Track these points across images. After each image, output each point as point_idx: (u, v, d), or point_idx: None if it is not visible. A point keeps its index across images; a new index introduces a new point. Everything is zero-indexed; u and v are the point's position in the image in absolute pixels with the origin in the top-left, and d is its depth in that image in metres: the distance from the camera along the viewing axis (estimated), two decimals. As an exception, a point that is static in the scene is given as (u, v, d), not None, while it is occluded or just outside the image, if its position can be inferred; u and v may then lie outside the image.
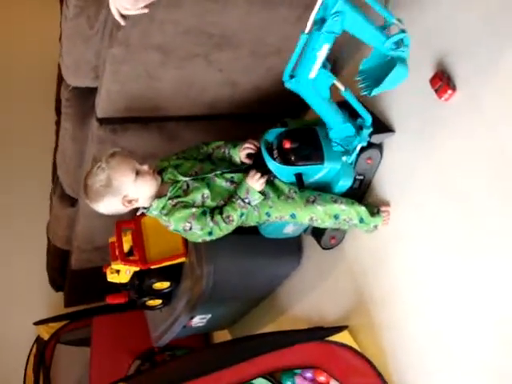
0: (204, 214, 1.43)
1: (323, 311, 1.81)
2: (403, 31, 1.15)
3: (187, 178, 1.46)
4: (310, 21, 1.15)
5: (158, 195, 1.44)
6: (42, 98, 2.60)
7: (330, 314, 1.77)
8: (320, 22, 1.15)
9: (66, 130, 1.73)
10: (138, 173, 1.39)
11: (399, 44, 1.17)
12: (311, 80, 1.25)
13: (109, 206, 1.42)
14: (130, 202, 1.42)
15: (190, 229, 1.43)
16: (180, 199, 1.43)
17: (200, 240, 1.47)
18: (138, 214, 1.50)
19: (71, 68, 1.47)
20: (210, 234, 1.45)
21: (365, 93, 1.23)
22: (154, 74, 1.47)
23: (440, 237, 1.36)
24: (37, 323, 2.66)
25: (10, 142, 3.13)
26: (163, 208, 1.44)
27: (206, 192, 1.45)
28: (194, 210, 1.42)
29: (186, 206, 1.43)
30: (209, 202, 1.45)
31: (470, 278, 1.29)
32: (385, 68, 1.19)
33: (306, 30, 1.17)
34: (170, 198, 1.44)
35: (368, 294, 1.62)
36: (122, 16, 1.19)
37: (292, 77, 1.26)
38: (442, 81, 1.32)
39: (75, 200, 2.08)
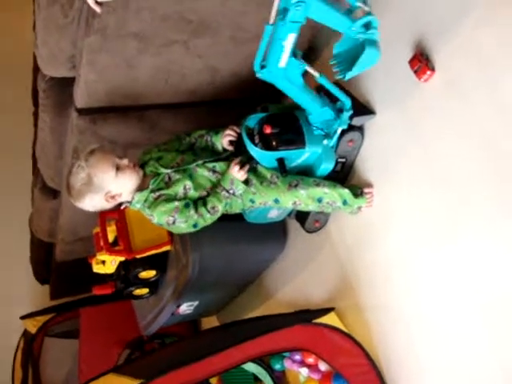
0: (187, 206, 1.44)
1: (309, 294, 1.83)
2: (369, 14, 1.15)
3: (169, 170, 1.46)
4: (272, 12, 1.15)
5: (140, 188, 1.44)
6: (18, 88, 2.56)
7: (317, 297, 1.79)
8: (283, 11, 1.15)
9: (45, 122, 1.70)
10: (118, 168, 1.40)
11: (368, 26, 1.16)
12: (282, 69, 1.25)
13: (93, 203, 1.43)
14: (113, 197, 1.43)
15: (174, 222, 1.44)
16: (162, 191, 1.43)
17: (184, 231, 1.48)
18: (122, 207, 1.50)
19: (47, 58, 1.44)
20: (195, 226, 1.46)
21: (339, 76, 1.23)
22: (132, 63, 1.46)
23: (424, 217, 1.38)
24: (23, 317, 2.65)
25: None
26: (145, 201, 1.44)
27: (188, 183, 1.45)
28: (176, 203, 1.43)
29: (169, 199, 1.43)
30: (191, 193, 1.46)
31: (456, 258, 1.30)
32: (357, 51, 1.19)
33: (270, 21, 1.18)
34: (152, 191, 1.44)
35: (353, 275, 1.64)
36: (98, 3, 1.18)
37: (263, 67, 1.26)
38: (421, 62, 1.32)
39: (57, 192, 2.06)
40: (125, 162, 1.42)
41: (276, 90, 1.75)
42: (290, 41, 1.19)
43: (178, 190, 1.44)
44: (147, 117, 1.70)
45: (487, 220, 1.22)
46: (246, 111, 1.53)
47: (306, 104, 1.39)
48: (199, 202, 1.45)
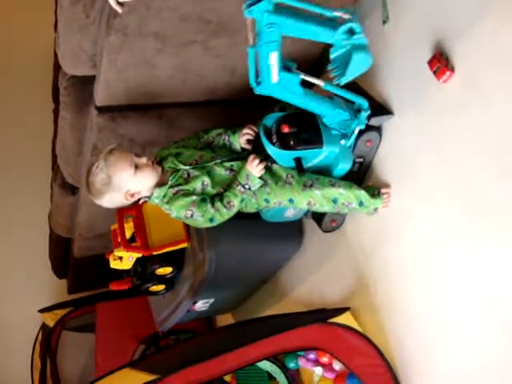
0: (204, 200, 1.46)
1: (325, 293, 1.83)
2: (350, 20, 1.16)
3: (187, 167, 1.48)
4: (249, 35, 1.20)
5: (159, 184, 1.47)
6: (39, 85, 2.59)
7: (332, 296, 1.79)
8: (258, 34, 1.18)
9: (65, 119, 1.73)
10: (136, 167, 1.42)
11: (351, 32, 1.17)
12: (277, 83, 1.27)
13: (112, 201, 1.46)
14: (132, 195, 1.46)
15: (192, 216, 1.46)
16: (181, 187, 1.46)
17: (202, 225, 1.50)
18: (141, 203, 1.52)
19: (68, 57, 1.46)
20: (212, 220, 1.47)
21: (336, 82, 1.24)
22: (151, 62, 1.47)
23: (441, 218, 1.37)
24: (42, 310, 2.69)
25: (8, 130, 3.12)
26: (164, 196, 1.47)
27: (206, 180, 1.47)
28: (194, 197, 1.45)
29: (187, 193, 1.45)
30: (209, 190, 1.48)
31: (472, 260, 1.30)
32: (349, 56, 1.19)
33: (250, 43, 1.22)
34: (170, 187, 1.46)
35: (369, 275, 1.64)
36: (119, 3, 1.19)
37: (259, 83, 1.28)
38: (441, 62, 1.32)
39: (76, 188, 2.09)
40: (143, 160, 1.44)
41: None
42: (273, 59, 1.22)
43: (196, 185, 1.46)
44: (165, 115, 1.72)
45: (504, 224, 1.21)
46: (263, 111, 1.54)
47: (315, 109, 1.40)
48: (216, 197, 1.47)
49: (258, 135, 1.47)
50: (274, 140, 1.42)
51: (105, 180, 1.41)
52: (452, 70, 1.30)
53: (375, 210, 1.52)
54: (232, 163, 1.50)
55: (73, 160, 1.91)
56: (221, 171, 1.49)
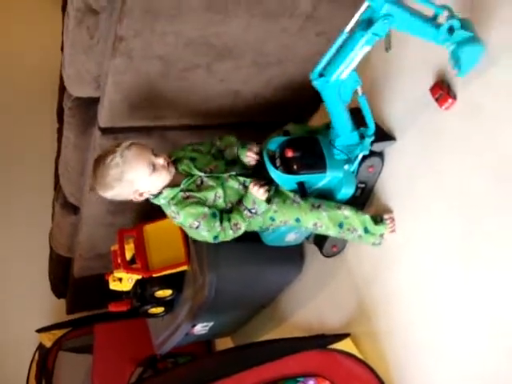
0: (214, 216, 1.42)
1: (325, 319, 1.82)
2: (451, 17, 1.14)
3: (203, 174, 1.44)
4: (353, 20, 1.13)
5: (170, 185, 1.42)
6: (43, 105, 2.62)
7: (332, 322, 1.77)
8: (366, 22, 1.13)
9: (69, 139, 1.74)
10: (153, 168, 1.37)
11: (452, 30, 1.15)
12: (338, 82, 1.22)
13: (118, 196, 1.41)
14: (141, 194, 1.41)
15: (197, 227, 1.41)
16: (193, 193, 1.41)
17: (203, 240, 1.45)
18: (143, 198, 1.45)
19: (73, 78, 1.48)
20: (215, 238, 1.44)
21: (457, 76, 1.23)
22: (155, 85, 1.48)
23: (442, 244, 1.37)
24: (39, 330, 2.66)
25: (11, 148, 3.14)
26: (173, 198, 1.42)
27: (220, 192, 1.44)
28: (206, 209, 1.41)
29: (199, 202, 1.41)
30: (220, 202, 1.45)
31: (473, 286, 1.29)
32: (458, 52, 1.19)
33: (347, 29, 1.16)
34: (182, 190, 1.42)
35: (370, 301, 1.62)
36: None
37: (321, 75, 1.23)
38: (443, 90, 1.32)
39: (78, 208, 2.09)
40: (160, 161, 1.38)
41: (297, 114, 1.78)
42: (363, 53, 1.17)
43: (209, 196, 1.43)
44: (168, 138, 1.72)
45: (503, 247, 1.21)
46: (267, 134, 1.55)
47: (341, 124, 1.36)
48: (225, 216, 1.44)
49: (261, 158, 1.47)
50: (278, 164, 1.42)
51: (117, 175, 1.34)
52: (454, 97, 1.31)
53: (381, 236, 1.50)
54: (245, 179, 1.47)
55: (75, 180, 1.92)
56: (234, 184, 1.47)
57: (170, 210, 1.43)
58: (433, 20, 1.17)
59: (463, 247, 1.31)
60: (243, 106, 1.65)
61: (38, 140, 2.92)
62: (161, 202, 1.44)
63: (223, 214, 1.45)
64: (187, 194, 1.41)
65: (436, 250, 1.38)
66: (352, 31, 1.17)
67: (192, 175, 1.44)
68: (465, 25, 1.18)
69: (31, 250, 2.90)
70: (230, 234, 1.44)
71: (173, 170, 1.42)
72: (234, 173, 1.47)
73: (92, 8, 1.29)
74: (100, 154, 1.42)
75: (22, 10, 3.34)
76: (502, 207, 1.21)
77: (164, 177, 1.40)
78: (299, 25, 1.42)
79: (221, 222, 1.43)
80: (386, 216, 1.50)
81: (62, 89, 1.66)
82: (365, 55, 1.19)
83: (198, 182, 1.44)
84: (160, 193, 1.42)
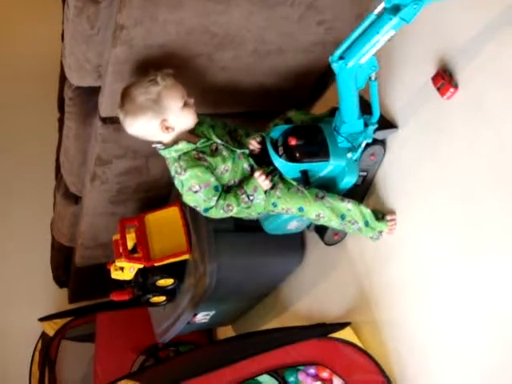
0: (216, 189, 1.41)
1: (326, 307, 1.83)
2: None
3: (219, 141, 1.44)
4: (382, 2, 1.11)
5: (187, 140, 1.41)
6: (45, 94, 2.61)
7: (333, 311, 1.78)
8: (393, 7, 1.10)
9: (70, 129, 1.73)
10: (185, 103, 1.37)
11: None
12: (357, 66, 1.20)
13: (144, 125, 1.37)
14: (167, 128, 1.38)
15: (196, 192, 1.40)
16: (206, 156, 1.41)
17: (194, 206, 1.44)
18: (153, 146, 1.45)
19: (74, 68, 1.47)
20: (206, 210, 1.43)
21: None
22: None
23: (444, 234, 1.37)
24: (42, 319, 2.68)
25: (11, 138, 3.14)
26: (185, 154, 1.40)
27: (229, 166, 1.44)
28: (212, 179, 1.40)
29: (209, 168, 1.40)
30: (225, 176, 1.44)
31: (475, 278, 1.29)
32: None
33: (376, 11, 1.13)
34: (196, 149, 1.41)
35: (371, 290, 1.63)
36: None
37: (341, 58, 1.20)
38: (444, 79, 1.32)
39: (79, 198, 2.10)
40: (192, 101, 1.40)
41: (299, 102, 1.77)
42: (387, 37, 1.15)
43: (219, 165, 1.42)
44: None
45: (507, 240, 1.21)
46: (268, 123, 1.54)
47: (350, 110, 1.35)
48: (222, 195, 1.43)
49: (264, 146, 1.46)
50: (281, 152, 1.41)
51: (154, 96, 1.32)
52: (455, 86, 1.30)
53: (380, 233, 1.50)
54: (253, 163, 1.48)
55: (76, 169, 1.92)
56: (243, 163, 1.47)
57: (177, 165, 1.40)
58: None
59: (466, 238, 1.31)
60: (245, 95, 1.65)
61: (39, 129, 2.92)
62: (172, 153, 1.41)
63: (222, 192, 1.44)
64: (200, 155, 1.40)
65: (438, 240, 1.39)
66: (380, 14, 1.13)
67: (209, 139, 1.44)
68: None
69: (33, 239, 2.92)
70: (220, 213, 1.43)
71: (197, 118, 1.42)
72: (247, 151, 1.47)
73: (92, -3, 1.28)
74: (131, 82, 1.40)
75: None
76: (506, 198, 1.21)
77: (191, 117, 1.40)
78: (300, 13, 1.41)
79: (218, 197, 1.42)
80: (388, 217, 1.50)
81: (63, 78, 1.66)
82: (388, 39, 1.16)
83: (213, 148, 1.43)
84: (175, 143, 1.40)
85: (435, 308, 1.41)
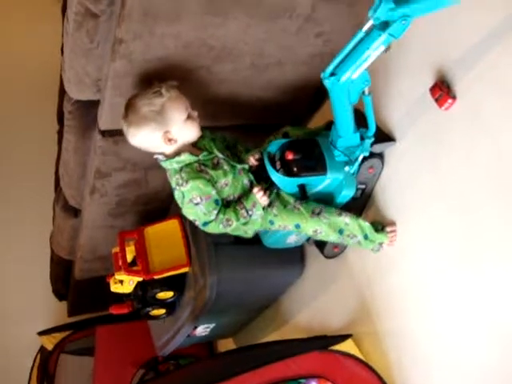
0: (217, 203, 1.41)
1: (327, 320, 1.82)
2: None
3: (221, 156, 1.45)
4: (369, 20, 1.12)
5: (190, 152, 1.41)
6: (44, 106, 2.61)
7: (334, 323, 1.77)
8: (382, 23, 1.11)
9: (69, 142, 1.74)
10: (188, 115, 1.38)
11: None
12: (349, 81, 1.21)
13: (147, 136, 1.37)
14: (170, 140, 1.38)
15: (197, 204, 1.39)
16: (208, 169, 1.41)
17: (193, 219, 1.44)
18: (155, 157, 1.45)
19: (73, 82, 1.47)
20: (206, 224, 1.43)
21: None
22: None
23: (443, 246, 1.37)
24: (41, 333, 2.67)
25: (11, 150, 3.14)
26: (187, 166, 1.40)
27: (230, 180, 1.43)
28: (213, 192, 1.40)
29: (210, 181, 1.40)
30: (224, 191, 1.44)
31: (474, 287, 1.29)
32: None
33: (364, 28, 1.14)
34: (199, 161, 1.41)
35: (372, 302, 1.62)
36: None
37: (333, 74, 1.21)
38: (442, 90, 1.32)
39: (78, 211, 2.09)
40: (195, 114, 1.40)
41: (297, 116, 1.78)
42: (377, 53, 1.16)
43: (220, 179, 1.42)
44: (168, 139, 1.72)
45: (505, 252, 1.21)
46: (267, 136, 1.55)
47: (345, 125, 1.35)
48: (222, 209, 1.42)
49: (261, 161, 1.46)
50: (278, 167, 1.41)
51: (157, 107, 1.33)
52: (453, 98, 1.31)
53: (380, 245, 1.50)
54: (253, 178, 1.48)
55: (76, 182, 1.92)
56: (243, 178, 1.47)
57: (179, 176, 1.39)
58: None
59: (465, 249, 1.30)
60: (243, 108, 1.65)
61: (38, 142, 2.92)
62: (173, 165, 1.40)
63: (222, 207, 1.43)
64: (202, 167, 1.40)
65: (437, 250, 1.38)
66: (369, 30, 1.15)
67: (211, 152, 1.44)
68: None
69: (32, 252, 2.91)
70: (219, 228, 1.43)
71: (200, 131, 1.42)
72: (247, 166, 1.47)
73: (91, 12, 1.28)
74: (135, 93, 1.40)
75: (22, 12, 3.34)
76: (504, 207, 1.21)
77: (194, 130, 1.41)
78: (298, 25, 1.42)
79: (218, 211, 1.41)
80: (388, 228, 1.49)
81: (62, 92, 1.66)
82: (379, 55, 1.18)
83: (215, 161, 1.43)
84: (177, 154, 1.40)
85: (437, 317, 1.40)
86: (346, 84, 1.22)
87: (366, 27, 1.15)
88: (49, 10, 2.73)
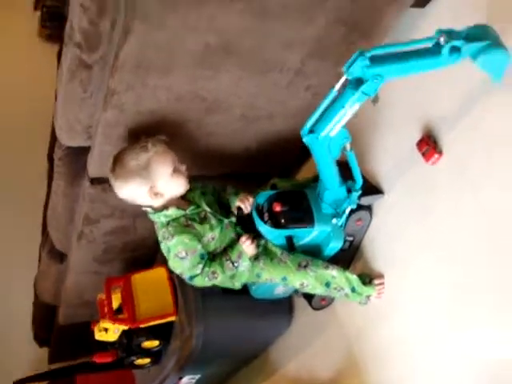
0: (202, 257, 1.41)
1: (315, 371, 1.79)
2: (448, 40, 1.04)
3: (209, 210, 1.45)
4: (341, 79, 1.15)
5: (177, 206, 1.41)
6: (33, 147, 2.61)
7: (323, 374, 1.74)
8: (355, 81, 1.14)
9: (58, 187, 1.74)
10: (175, 170, 1.38)
11: (457, 49, 1.05)
12: (328, 138, 1.23)
13: (133, 190, 1.38)
14: (156, 194, 1.38)
15: (182, 259, 1.39)
16: (194, 224, 1.41)
17: (180, 273, 1.43)
18: (144, 209, 1.45)
19: (65, 129, 1.48)
20: (191, 278, 1.42)
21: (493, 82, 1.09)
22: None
23: (432, 299, 1.36)
24: (17, 383, 2.57)
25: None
26: (174, 220, 1.40)
27: (216, 234, 1.43)
28: (199, 247, 1.39)
29: (196, 236, 1.40)
30: (211, 245, 1.44)
31: (464, 340, 1.28)
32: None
33: (336, 88, 1.17)
34: (185, 216, 1.41)
35: (360, 354, 1.60)
36: None
37: (311, 131, 1.24)
38: (429, 145, 1.35)
39: (64, 255, 2.07)
40: (183, 167, 1.41)
41: (285, 166, 1.79)
42: (352, 111, 1.18)
43: (207, 233, 1.42)
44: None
45: (494, 301, 1.21)
46: (254, 186, 1.55)
47: (330, 178, 1.37)
48: (207, 263, 1.42)
49: (249, 212, 1.47)
50: (266, 218, 1.42)
51: (143, 163, 1.34)
52: (440, 152, 1.33)
53: (368, 298, 1.50)
54: (241, 231, 1.48)
55: (63, 227, 1.91)
56: (230, 232, 1.47)
57: (165, 230, 1.40)
58: (430, 50, 1.09)
59: (453, 302, 1.30)
60: (232, 158, 1.66)
61: (27, 183, 2.91)
62: (161, 218, 1.41)
63: (207, 260, 1.43)
64: (189, 222, 1.40)
65: (426, 304, 1.38)
66: (342, 89, 1.18)
67: (198, 206, 1.44)
68: (476, 34, 1.04)
69: (14, 295, 2.84)
70: (205, 281, 1.42)
71: (188, 184, 1.42)
72: (234, 220, 1.47)
73: (85, 62, 1.30)
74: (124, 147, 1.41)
75: (17, 54, 3.38)
76: (491, 259, 1.21)
77: (182, 184, 1.41)
78: (289, 79, 1.45)
79: (204, 265, 1.41)
80: (376, 281, 1.49)
81: (54, 136, 1.67)
82: (355, 112, 1.21)
83: (202, 215, 1.43)
84: (165, 208, 1.40)
85: (425, 373, 1.38)
86: (325, 141, 1.24)
87: (338, 85, 1.17)
88: (44, 51, 2.77)
